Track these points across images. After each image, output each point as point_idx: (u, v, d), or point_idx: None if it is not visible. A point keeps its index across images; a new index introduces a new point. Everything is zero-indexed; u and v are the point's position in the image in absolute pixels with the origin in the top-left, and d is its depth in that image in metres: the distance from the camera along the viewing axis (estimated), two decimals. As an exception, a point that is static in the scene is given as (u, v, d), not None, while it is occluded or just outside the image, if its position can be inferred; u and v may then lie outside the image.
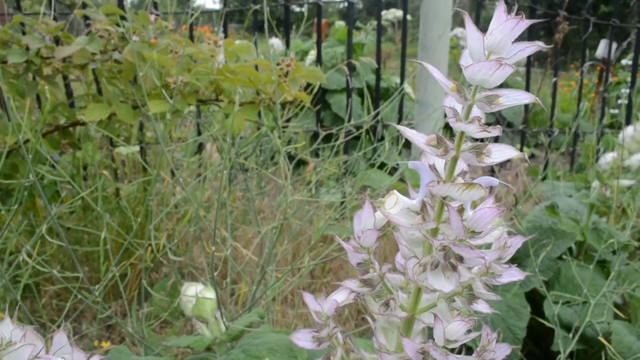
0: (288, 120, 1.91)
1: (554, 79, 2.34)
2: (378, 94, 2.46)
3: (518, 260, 1.37)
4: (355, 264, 0.48)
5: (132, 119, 1.59)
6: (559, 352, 1.19)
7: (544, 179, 1.93)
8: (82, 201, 1.90)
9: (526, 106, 2.49)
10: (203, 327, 0.93)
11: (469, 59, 0.42)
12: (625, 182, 1.45)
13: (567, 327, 1.25)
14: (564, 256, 1.34)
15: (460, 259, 0.42)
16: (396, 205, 0.45)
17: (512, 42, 0.42)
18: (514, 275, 0.48)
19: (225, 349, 0.92)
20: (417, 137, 0.43)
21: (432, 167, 0.45)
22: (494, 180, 0.45)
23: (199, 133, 2.32)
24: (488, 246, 0.48)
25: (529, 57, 2.59)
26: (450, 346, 0.43)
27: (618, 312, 1.21)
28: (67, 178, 1.04)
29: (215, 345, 0.91)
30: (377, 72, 2.43)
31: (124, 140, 2.21)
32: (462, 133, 0.42)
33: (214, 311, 0.93)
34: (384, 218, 0.46)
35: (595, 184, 1.49)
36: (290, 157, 1.98)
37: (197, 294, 0.93)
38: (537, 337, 1.47)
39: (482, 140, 0.44)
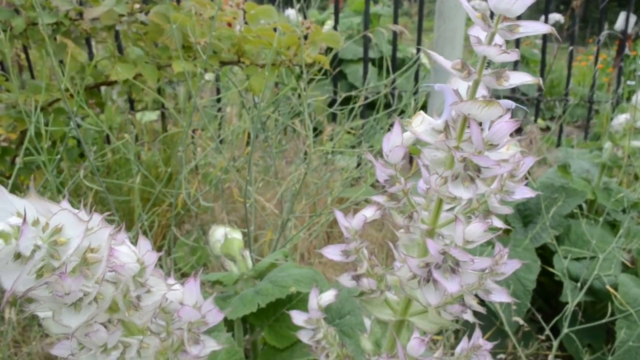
0: (309, 83, 1.96)
1: (570, 48, 2.35)
2: (394, 64, 2.49)
3: (530, 216, 1.42)
4: (382, 181, 0.53)
5: (156, 78, 1.65)
6: (567, 305, 1.24)
7: (558, 145, 1.96)
8: (106, 161, 1.97)
9: (542, 75, 2.50)
10: (231, 265, 0.99)
11: (494, -9, 0.47)
12: (637, 143, 1.48)
13: (575, 280, 1.30)
14: (574, 211, 1.38)
15: (478, 170, 0.47)
16: (422, 124, 0.50)
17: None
18: (525, 192, 0.53)
19: (251, 284, 0.98)
20: (444, 61, 0.48)
21: (456, 92, 0.50)
22: (511, 103, 0.49)
23: (218, 101, 2.36)
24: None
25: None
26: (469, 247, 0.49)
27: (627, 263, 1.25)
28: (103, 127, 1.10)
29: (243, 281, 0.98)
30: (394, 42, 2.45)
31: (145, 107, 2.27)
32: (484, 58, 0.47)
33: (241, 250, 0.99)
34: (411, 137, 0.51)
35: (608, 144, 1.52)
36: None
37: (225, 234, 0.99)
38: (547, 294, 1.53)
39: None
